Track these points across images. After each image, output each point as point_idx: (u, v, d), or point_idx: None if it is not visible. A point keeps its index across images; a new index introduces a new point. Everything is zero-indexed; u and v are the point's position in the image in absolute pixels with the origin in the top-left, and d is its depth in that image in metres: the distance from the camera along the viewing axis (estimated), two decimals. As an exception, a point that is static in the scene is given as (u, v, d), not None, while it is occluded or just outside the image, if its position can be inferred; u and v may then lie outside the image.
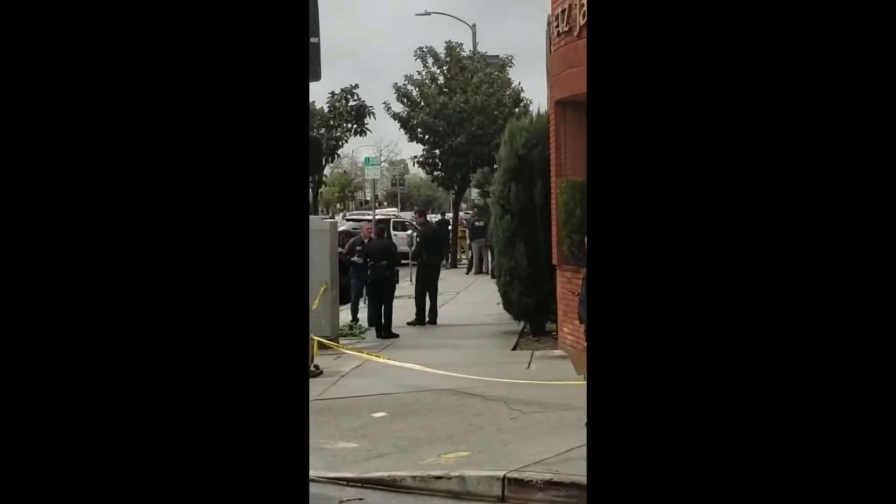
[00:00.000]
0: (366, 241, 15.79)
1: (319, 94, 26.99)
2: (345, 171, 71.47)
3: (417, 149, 30.01)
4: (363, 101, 25.51)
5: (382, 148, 67.17)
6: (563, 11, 11.89)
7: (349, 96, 25.79)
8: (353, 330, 14.73)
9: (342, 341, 13.58)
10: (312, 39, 10.95)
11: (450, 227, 31.16)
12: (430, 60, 29.40)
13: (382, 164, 37.58)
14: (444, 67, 29.34)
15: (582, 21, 11.39)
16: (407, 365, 10.93)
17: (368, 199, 64.41)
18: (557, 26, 12.15)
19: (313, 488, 6.87)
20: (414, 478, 7.07)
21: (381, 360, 11.66)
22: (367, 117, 26.21)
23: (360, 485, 7.04)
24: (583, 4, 11.34)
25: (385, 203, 68.03)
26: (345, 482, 7.09)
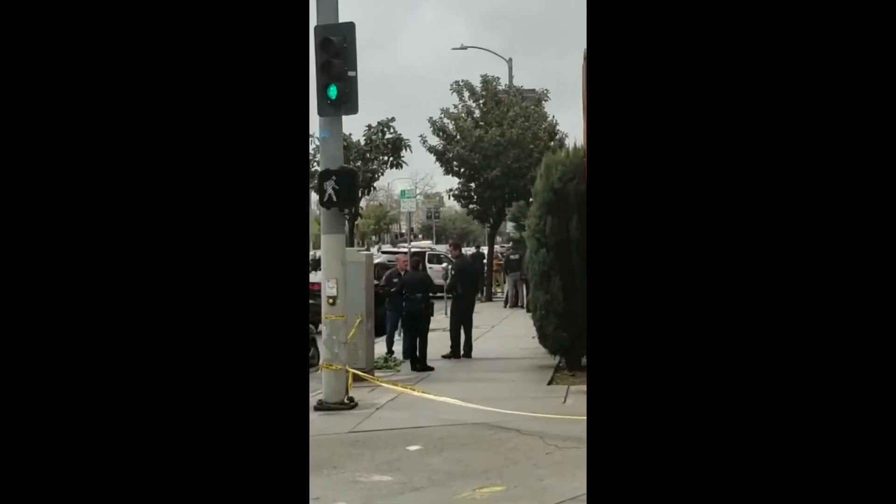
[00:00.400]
0: (402, 273, 15.81)
1: (356, 127, 27.28)
2: (380, 204, 71.76)
3: (453, 181, 30.10)
4: (399, 134, 25.72)
5: (418, 181, 67.42)
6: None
7: (385, 129, 25.94)
8: (388, 362, 14.72)
9: (377, 373, 13.57)
10: (350, 73, 11.05)
11: (485, 261, 31.12)
12: (466, 94, 29.51)
13: (418, 197, 37.67)
14: (480, 101, 29.43)
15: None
16: (442, 398, 10.89)
17: (404, 231, 64.67)
18: (594, 60, 12.16)
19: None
20: (449, 512, 7.03)
21: (415, 392, 11.63)
22: (404, 150, 26.36)
23: (394, 519, 7.02)
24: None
25: (420, 236, 68.19)
26: (379, 516, 7.07)
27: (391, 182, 66.51)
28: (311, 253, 23.33)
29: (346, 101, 11.09)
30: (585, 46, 13.13)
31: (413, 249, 26.68)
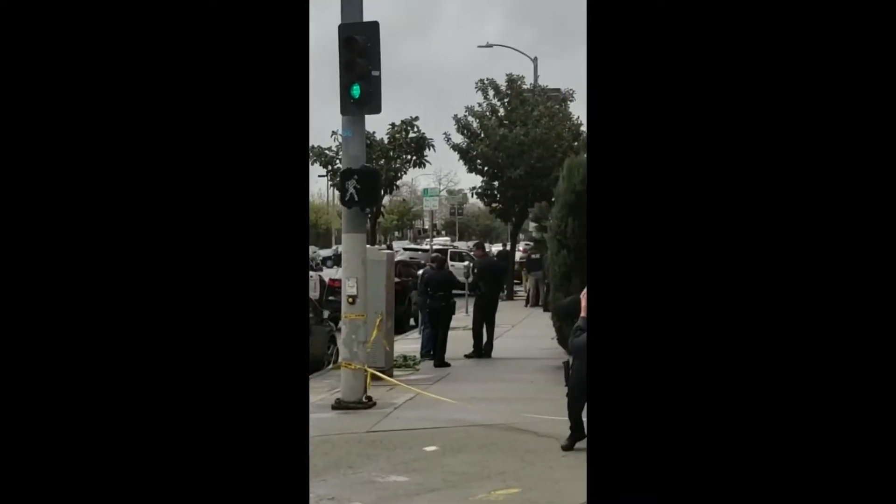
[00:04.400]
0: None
1: (380, 125, 27.33)
2: (404, 200, 71.85)
3: (476, 179, 30.14)
4: (423, 133, 25.75)
5: (442, 177, 67.47)
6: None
7: (409, 128, 25.98)
8: (406, 361, 14.76)
9: (396, 372, 13.60)
10: (374, 73, 11.06)
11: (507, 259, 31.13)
12: (491, 92, 29.51)
13: (441, 193, 37.68)
14: (505, 100, 29.43)
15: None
16: (458, 402, 10.90)
17: (427, 228, 64.69)
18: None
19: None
20: (463, 514, 7.05)
21: (432, 396, 11.65)
22: (427, 149, 26.39)
23: (409, 519, 7.04)
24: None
25: (443, 232, 68.23)
26: (394, 516, 7.09)
27: (415, 178, 66.60)
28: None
29: (370, 101, 11.10)
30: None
31: (435, 247, 26.69)
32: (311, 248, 36.29)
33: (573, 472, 7.97)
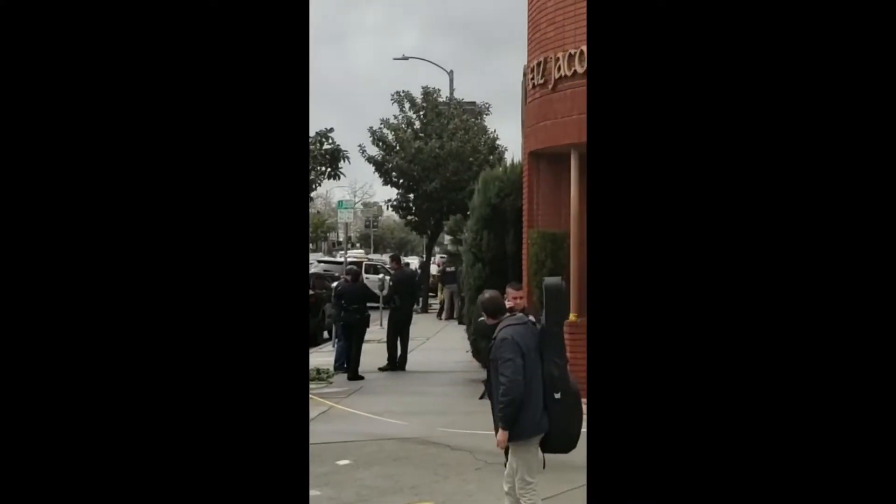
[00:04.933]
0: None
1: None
2: (318, 211, 71.50)
3: (391, 192, 30.08)
4: (338, 145, 25.57)
5: (357, 189, 67.28)
6: (538, 64, 12.01)
7: (324, 140, 25.85)
8: (320, 374, 14.66)
9: (310, 385, 13.50)
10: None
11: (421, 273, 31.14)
12: (407, 105, 29.55)
13: (357, 206, 37.58)
14: (421, 112, 29.48)
15: (557, 74, 11.50)
16: (372, 415, 10.87)
17: (341, 240, 64.20)
18: (533, 78, 12.26)
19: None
20: (376, 528, 7.02)
21: (346, 409, 11.59)
22: (342, 161, 26.26)
23: (321, 534, 6.99)
24: (558, 59, 11.46)
25: (358, 244, 67.99)
26: (306, 531, 7.02)
27: (329, 190, 66.26)
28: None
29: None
30: (525, 63, 13.25)
31: (349, 259, 26.58)
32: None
33: (487, 485, 8.00)
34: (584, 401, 6.44)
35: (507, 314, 6.60)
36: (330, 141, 25.64)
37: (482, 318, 6.86)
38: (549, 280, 6.89)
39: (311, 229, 67.71)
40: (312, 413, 11.56)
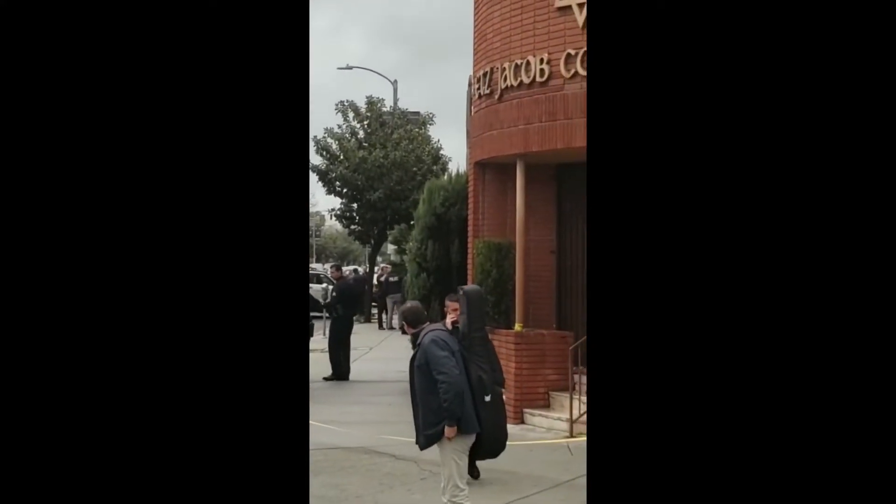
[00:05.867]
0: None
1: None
2: (260, 221, 70.99)
3: (334, 201, 30.02)
4: (282, 153, 25.67)
5: (299, 199, 66.89)
6: (484, 74, 12.06)
7: (268, 147, 25.85)
8: (264, 383, 14.54)
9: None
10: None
11: (365, 282, 31.04)
12: (351, 114, 29.49)
13: (299, 216, 37.40)
14: (365, 122, 29.45)
15: (503, 84, 11.56)
16: (317, 424, 10.81)
17: (284, 249, 63.72)
18: (479, 88, 12.31)
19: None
20: (322, 538, 6.96)
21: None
22: (286, 169, 26.28)
23: (266, 545, 6.90)
24: (504, 69, 11.52)
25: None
26: (251, 542, 6.95)
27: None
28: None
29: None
30: (471, 73, 13.29)
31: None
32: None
33: (432, 495, 7.98)
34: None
35: (429, 323, 6.66)
36: (274, 149, 25.75)
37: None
38: (469, 287, 6.97)
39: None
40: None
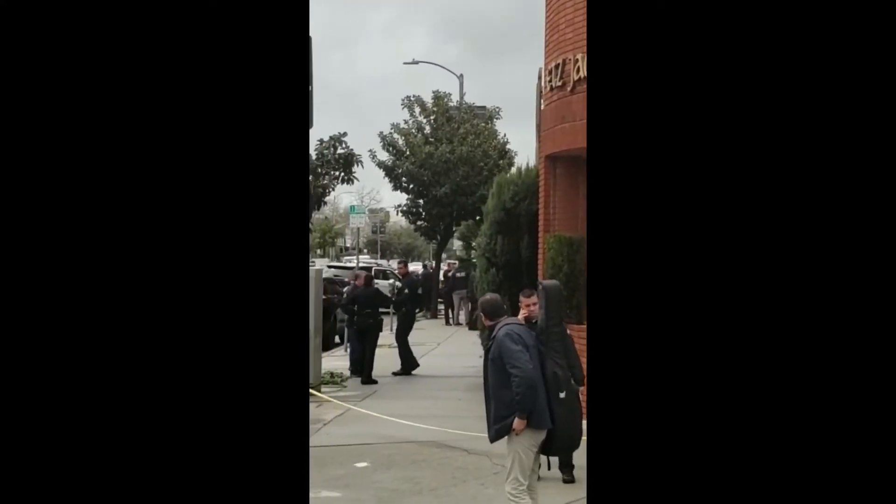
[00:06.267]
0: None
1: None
2: (326, 217, 71.50)
3: (400, 197, 30.02)
4: (351, 150, 25.56)
5: (364, 195, 67.28)
6: (556, 66, 11.96)
7: (337, 144, 25.82)
8: (333, 378, 14.62)
9: (324, 389, 13.47)
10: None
11: (431, 278, 31.08)
12: (417, 109, 29.51)
13: (365, 211, 37.48)
14: (431, 117, 29.46)
15: (576, 76, 11.46)
16: (388, 418, 10.83)
17: (349, 245, 64.00)
18: (550, 80, 12.22)
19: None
20: (397, 531, 6.96)
21: (364, 412, 11.55)
22: (355, 166, 26.23)
23: (342, 536, 6.93)
24: (577, 60, 11.42)
25: (365, 250, 67.98)
26: (327, 533, 6.98)
27: (337, 196, 66.29)
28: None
29: (302, 115, 10.98)
30: (542, 65, 13.21)
31: (360, 265, 26.57)
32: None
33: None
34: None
35: (506, 317, 6.59)
36: (343, 145, 25.72)
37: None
38: (548, 282, 6.90)
39: (318, 235, 67.78)
40: (329, 416, 11.54)
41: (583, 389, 6.70)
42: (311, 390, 12.12)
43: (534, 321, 6.62)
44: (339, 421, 11.32)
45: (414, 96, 29.69)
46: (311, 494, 7.70)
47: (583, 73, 11.33)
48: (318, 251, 73.36)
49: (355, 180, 25.98)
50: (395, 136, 29.16)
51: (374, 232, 45.80)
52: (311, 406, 11.87)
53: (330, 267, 35.35)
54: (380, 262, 43.32)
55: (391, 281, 27.33)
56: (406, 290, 16.79)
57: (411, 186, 28.80)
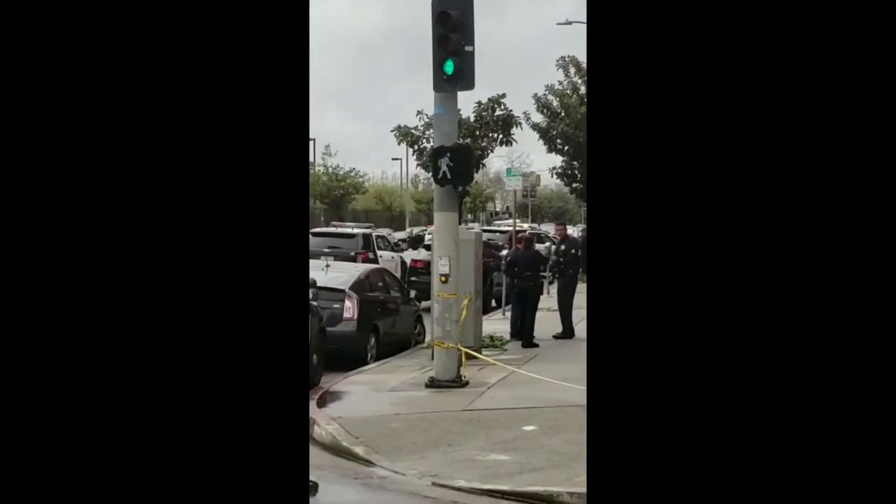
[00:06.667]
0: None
1: (466, 104, 27.15)
2: (476, 182, 71.68)
3: (552, 159, 29.94)
4: (510, 111, 25.45)
5: (514, 158, 67.10)
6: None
7: (496, 105, 25.76)
8: (494, 341, 14.64)
9: (484, 352, 13.49)
10: (467, 48, 10.90)
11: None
12: (572, 70, 29.21)
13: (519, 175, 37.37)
14: (586, 77, 29.15)
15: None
16: (552, 381, 10.76)
17: (499, 209, 63.97)
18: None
19: (465, 499, 6.84)
20: (571, 494, 6.90)
21: (529, 375, 11.53)
22: (514, 127, 26.15)
23: (514, 498, 6.92)
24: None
25: (516, 214, 67.89)
26: (499, 495, 6.97)
27: (487, 159, 66.26)
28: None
29: (463, 77, 10.94)
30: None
31: (518, 229, 26.52)
32: (386, 231, 36.32)
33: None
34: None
35: None
36: (502, 107, 25.63)
37: None
38: None
39: (470, 200, 68.04)
40: (492, 379, 11.55)
41: None
42: (473, 353, 12.17)
43: None
44: (503, 384, 11.33)
45: (569, 57, 29.44)
46: (481, 457, 7.80)
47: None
48: (470, 216, 73.69)
49: (514, 142, 25.90)
50: (550, 97, 28.97)
51: (524, 195, 45.71)
52: (473, 369, 11.92)
53: (485, 230, 35.47)
54: (534, 225, 43.15)
55: (546, 244, 27.17)
56: (572, 251, 16.58)
57: (566, 148, 28.59)
